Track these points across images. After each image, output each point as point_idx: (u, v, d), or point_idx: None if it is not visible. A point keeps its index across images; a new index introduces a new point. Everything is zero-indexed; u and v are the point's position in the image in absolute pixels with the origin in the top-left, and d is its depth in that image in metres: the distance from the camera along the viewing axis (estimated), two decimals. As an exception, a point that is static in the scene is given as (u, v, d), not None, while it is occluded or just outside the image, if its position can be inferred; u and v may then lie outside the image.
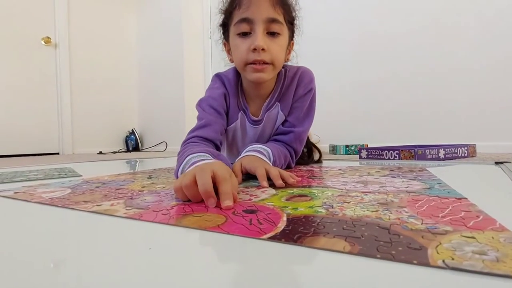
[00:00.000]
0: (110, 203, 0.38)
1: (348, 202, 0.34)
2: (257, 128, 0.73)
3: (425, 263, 0.17)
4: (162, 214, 0.31)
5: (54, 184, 0.57)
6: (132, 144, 2.98)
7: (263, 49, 0.59)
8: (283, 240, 0.22)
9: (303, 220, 0.27)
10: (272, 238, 0.23)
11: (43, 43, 2.56)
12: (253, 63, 0.60)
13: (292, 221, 0.27)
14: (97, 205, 0.37)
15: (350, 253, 0.19)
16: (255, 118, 0.72)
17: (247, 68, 0.62)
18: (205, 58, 2.75)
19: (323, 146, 0.93)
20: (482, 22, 1.50)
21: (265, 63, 0.60)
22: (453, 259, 0.18)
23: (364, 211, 0.30)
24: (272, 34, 0.61)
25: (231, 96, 0.70)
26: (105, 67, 2.93)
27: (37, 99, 2.54)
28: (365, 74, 1.88)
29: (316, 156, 0.89)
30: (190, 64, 2.66)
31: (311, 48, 1.78)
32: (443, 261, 0.17)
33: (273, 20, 0.59)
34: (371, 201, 0.34)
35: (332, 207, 0.32)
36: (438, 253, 0.19)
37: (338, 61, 1.97)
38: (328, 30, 1.96)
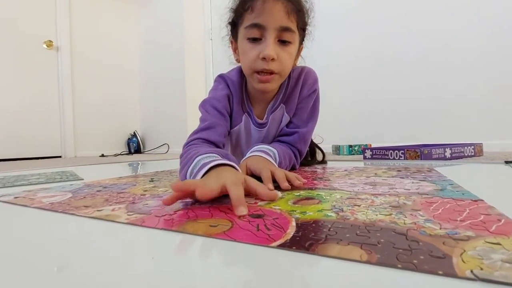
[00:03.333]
0: (112, 208, 0.36)
1: (359, 205, 0.32)
2: (262, 131, 0.72)
3: (452, 274, 0.16)
4: (165, 219, 0.30)
5: (55, 188, 0.56)
6: (134, 146, 2.98)
7: (272, 59, 0.57)
8: (294, 248, 0.21)
9: (313, 225, 0.26)
10: (282, 246, 0.21)
11: (45, 46, 2.57)
12: (261, 72, 0.59)
13: (302, 226, 0.26)
14: (98, 210, 0.36)
15: (368, 262, 0.18)
16: (260, 121, 0.71)
17: (254, 76, 0.61)
18: (206, 59, 2.74)
19: (326, 147, 0.92)
20: (489, 20, 1.48)
21: (272, 72, 0.59)
22: (481, 268, 0.16)
23: (376, 215, 0.28)
24: (283, 42, 0.58)
25: (235, 98, 0.69)
26: (106, 70, 2.93)
27: (39, 103, 2.54)
28: (368, 74, 1.86)
29: (319, 156, 0.88)
30: (192, 66, 2.65)
31: (314, 48, 1.78)
32: (472, 271, 0.16)
33: (286, 29, 0.57)
34: (383, 204, 0.33)
35: (343, 211, 0.30)
36: (464, 261, 0.17)
37: (340, 60, 1.95)
38: (332, 31, 1.95)
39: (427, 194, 0.37)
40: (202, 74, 2.74)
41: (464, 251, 0.19)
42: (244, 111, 0.70)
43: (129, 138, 3.03)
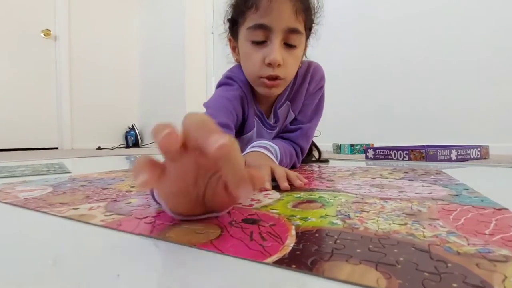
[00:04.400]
0: (89, 207, 0.33)
1: (367, 212, 0.28)
2: (273, 133, 0.68)
3: (501, 314, 0.12)
4: (146, 223, 0.26)
5: (37, 182, 0.52)
6: (132, 140, 2.94)
7: (278, 65, 0.52)
8: (293, 266, 0.17)
9: (316, 235, 0.22)
10: (279, 262, 0.17)
11: (43, 35, 2.51)
12: (266, 77, 0.54)
13: (303, 236, 0.22)
14: (74, 208, 0.32)
15: (387, 290, 0.14)
16: (271, 123, 0.67)
17: (259, 81, 0.55)
18: (207, 53, 2.69)
19: (327, 145, 0.88)
20: (497, 20, 1.43)
21: (278, 78, 0.54)
22: (538, 306, 0.12)
23: (390, 224, 0.24)
24: (289, 45, 0.53)
25: (249, 101, 0.62)
26: (105, 60, 2.88)
27: (35, 93, 2.50)
28: (371, 71, 1.82)
29: (316, 154, 0.84)
30: (192, 59, 2.61)
31: (318, 46, 1.72)
32: (527, 311, 0.12)
33: (293, 31, 0.52)
34: (395, 210, 0.29)
35: (350, 218, 0.26)
36: (509, 293, 0.14)
37: (343, 57, 1.91)
38: (335, 27, 1.89)
39: (442, 200, 0.33)
40: (202, 67, 2.69)
41: (506, 277, 0.15)
42: (255, 114, 0.66)
43: (127, 131, 2.99)
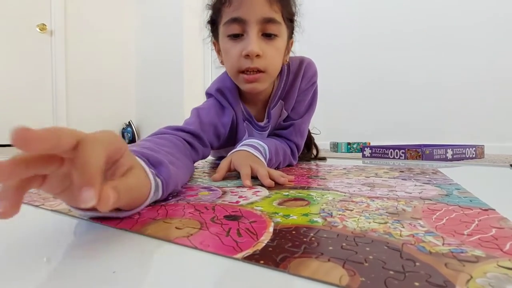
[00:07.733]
0: (80, 201, 0.33)
1: (351, 210, 0.28)
2: (264, 134, 0.68)
3: (455, 313, 0.12)
4: (129, 217, 0.26)
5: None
6: (129, 136, 2.91)
7: (257, 55, 0.51)
8: (261, 262, 0.17)
9: (293, 232, 0.22)
10: (248, 258, 0.18)
11: (38, 30, 2.45)
12: (246, 71, 0.53)
13: (280, 233, 0.22)
14: (65, 202, 0.33)
15: (348, 287, 0.14)
16: (261, 124, 0.67)
17: (239, 77, 0.55)
18: (205, 49, 2.68)
19: (324, 143, 0.88)
20: (494, 21, 1.41)
21: (259, 71, 0.53)
22: (494, 307, 0.12)
23: (369, 223, 0.24)
24: (268, 36, 0.53)
25: (237, 109, 0.63)
26: (102, 56, 2.83)
27: (30, 88, 2.44)
28: (369, 70, 1.80)
29: (314, 152, 0.84)
30: (190, 56, 2.59)
31: (314, 42, 1.70)
32: (481, 310, 0.12)
33: (269, 20, 0.51)
34: (379, 209, 0.29)
35: (331, 216, 0.27)
36: (470, 293, 0.14)
37: (340, 54, 1.89)
38: (332, 24, 1.88)
39: (430, 200, 0.33)
40: (200, 65, 2.68)
41: (471, 277, 0.15)
42: (244, 119, 0.66)
43: (123, 128, 2.96)
